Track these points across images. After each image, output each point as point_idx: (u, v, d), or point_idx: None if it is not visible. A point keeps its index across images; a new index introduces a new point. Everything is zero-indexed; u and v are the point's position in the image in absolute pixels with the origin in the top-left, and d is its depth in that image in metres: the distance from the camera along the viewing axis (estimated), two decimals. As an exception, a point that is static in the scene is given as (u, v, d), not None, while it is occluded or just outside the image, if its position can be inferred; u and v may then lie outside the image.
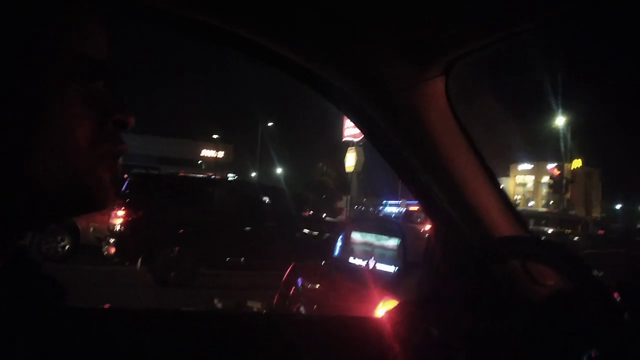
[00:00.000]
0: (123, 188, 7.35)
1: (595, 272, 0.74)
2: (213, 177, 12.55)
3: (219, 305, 3.18)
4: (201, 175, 11.90)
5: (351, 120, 1.15)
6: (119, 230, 7.08)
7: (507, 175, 46.63)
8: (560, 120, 23.63)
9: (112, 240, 7.12)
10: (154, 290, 6.86)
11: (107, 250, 7.20)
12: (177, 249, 7.27)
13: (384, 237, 2.09)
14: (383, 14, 0.81)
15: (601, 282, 0.72)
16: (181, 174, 11.18)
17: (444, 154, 1.05)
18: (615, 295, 0.70)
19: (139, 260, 7.11)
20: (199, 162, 39.02)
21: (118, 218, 7.11)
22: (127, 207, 7.17)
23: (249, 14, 0.83)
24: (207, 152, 41.64)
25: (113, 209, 7.06)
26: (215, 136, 41.82)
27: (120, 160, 0.57)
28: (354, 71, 0.95)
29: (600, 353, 0.76)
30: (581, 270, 0.76)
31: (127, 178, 7.62)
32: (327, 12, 0.80)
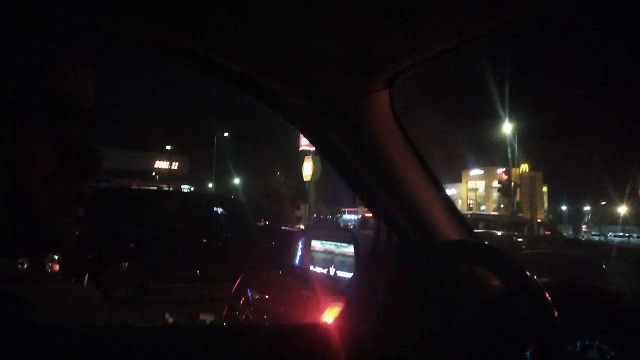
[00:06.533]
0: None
1: (529, 273, 0.77)
2: (166, 189, 12.19)
3: (170, 319, 3.09)
4: (153, 188, 11.54)
5: (299, 131, 1.15)
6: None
7: (459, 181, 48.09)
8: (507, 127, 24.71)
9: (56, 257, 6.80)
10: (102, 307, 6.60)
11: (51, 267, 6.86)
12: (126, 264, 7.03)
13: (343, 244, 2.10)
14: (325, 26, 0.82)
15: (535, 282, 0.76)
16: (133, 187, 10.82)
17: (390, 164, 1.07)
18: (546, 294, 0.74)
19: (86, 276, 6.83)
20: (153, 173, 38.00)
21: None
22: (74, 222, 6.87)
23: (192, 28, 0.82)
24: (161, 164, 40.70)
25: None
26: (168, 147, 40.98)
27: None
28: (299, 82, 0.95)
29: (539, 350, 0.80)
30: (516, 272, 0.79)
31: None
32: (268, 23, 0.81)
